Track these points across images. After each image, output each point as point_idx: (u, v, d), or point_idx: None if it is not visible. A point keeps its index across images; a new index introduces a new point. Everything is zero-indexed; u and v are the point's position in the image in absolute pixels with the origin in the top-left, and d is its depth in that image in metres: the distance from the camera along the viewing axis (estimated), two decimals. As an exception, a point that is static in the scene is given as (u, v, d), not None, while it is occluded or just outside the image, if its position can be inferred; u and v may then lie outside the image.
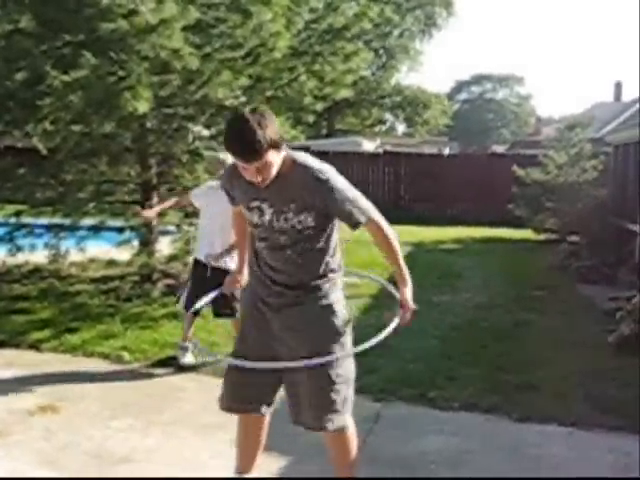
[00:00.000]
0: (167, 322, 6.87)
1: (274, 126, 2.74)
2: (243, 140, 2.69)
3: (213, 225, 5.62)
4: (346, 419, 3.12)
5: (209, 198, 5.63)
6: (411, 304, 3.08)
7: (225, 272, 5.53)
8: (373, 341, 2.90)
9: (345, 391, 3.08)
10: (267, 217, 2.95)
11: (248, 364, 2.98)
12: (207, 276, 5.49)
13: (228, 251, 5.56)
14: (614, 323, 6.82)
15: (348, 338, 3.13)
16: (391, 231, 3.07)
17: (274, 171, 2.81)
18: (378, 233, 3.05)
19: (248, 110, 2.74)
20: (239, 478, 3.30)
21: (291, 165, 2.89)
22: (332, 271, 3.09)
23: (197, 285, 5.62)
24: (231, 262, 5.68)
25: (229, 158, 5.76)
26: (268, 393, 3.21)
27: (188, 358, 5.70)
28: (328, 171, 2.92)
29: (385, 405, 4.87)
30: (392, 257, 3.09)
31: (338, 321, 3.07)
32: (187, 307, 5.75)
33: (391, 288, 3.24)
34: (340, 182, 2.93)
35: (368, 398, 4.90)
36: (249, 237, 3.23)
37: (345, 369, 3.09)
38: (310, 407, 3.05)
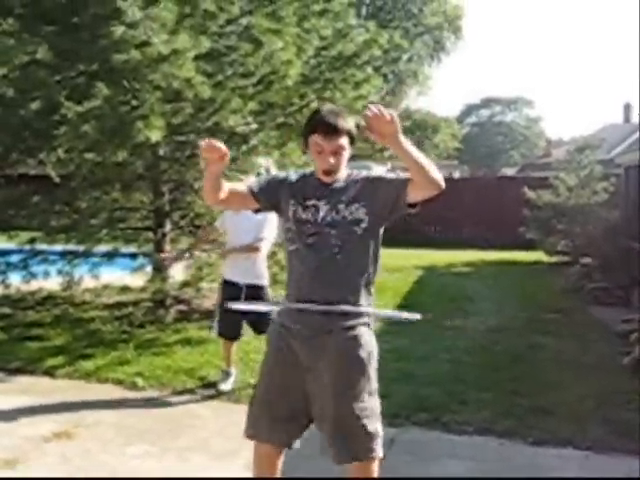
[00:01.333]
0: (180, 348, 6.89)
1: (352, 122, 3.03)
2: (337, 114, 2.98)
3: (240, 243, 5.67)
4: (373, 454, 3.05)
5: (234, 217, 5.70)
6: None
7: (258, 288, 5.60)
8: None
9: (371, 425, 3.03)
10: (321, 214, 3.00)
11: (301, 305, 3.00)
12: (239, 297, 5.48)
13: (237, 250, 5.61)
14: (628, 345, 6.80)
15: (374, 372, 3.09)
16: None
17: (343, 163, 3.01)
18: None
19: None
20: (243, 478, 3.27)
21: (352, 175, 3.10)
22: (368, 294, 3.07)
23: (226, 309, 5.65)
24: (263, 279, 5.72)
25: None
26: (294, 425, 3.14)
27: (227, 385, 5.71)
28: (382, 172, 3.07)
29: (399, 430, 4.85)
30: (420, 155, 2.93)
31: (363, 353, 3.03)
32: (221, 333, 5.80)
33: (403, 315, 3.20)
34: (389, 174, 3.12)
35: (383, 423, 4.88)
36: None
37: (371, 403, 3.06)
38: (335, 442, 3.02)
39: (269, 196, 3.13)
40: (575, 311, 9.64)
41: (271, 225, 5.67)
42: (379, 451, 3.07)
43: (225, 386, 5.69)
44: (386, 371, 6.05)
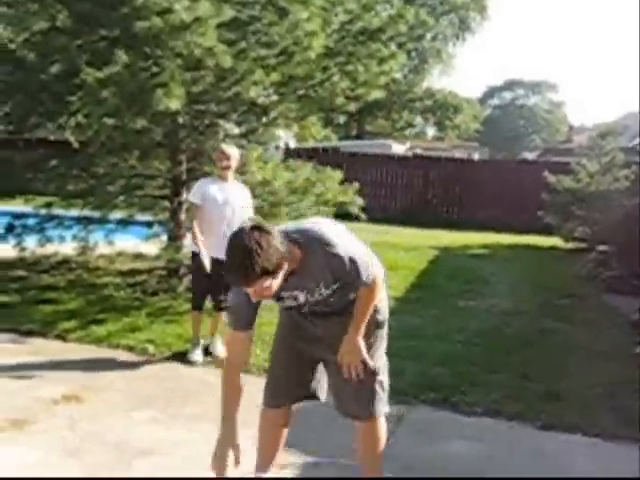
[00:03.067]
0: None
1: (271, 250, 2.64)
2: (237, 268, 2.62)
3: (220, 222, 5.71)
4: (385, 408, 3.29)
5: (206, 190, 5.82)
6: (347, 359, 3.08)
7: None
8: None
9: (385, 382, 3.28)
10: (302, 299, 3.03)
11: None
12: (209, 270, 5.58)
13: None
14: (642, 334, 6.74)
15: (385, 335, 3.32)
16: (380, 291, 3.13)
17: (274, 289, 2.75)
18: (368, 292, 3.06)
19: (248, 228, 2.65)
20: (241, 478, 3.31)
21: (305, 251, 2.85)
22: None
23: (200, 281, 5.83)
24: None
25: (234, 150, 5.97)
26: (303, 386, 3.32)
27: (196, 356, 5.75)
28: (336, 244, 2.87)
29: (408, 408, 4.85)
30: (364, 308, 3.08)
31: (379, 316, 3.24)
32: (193, 304, 5.98)
33: None
34: (349, 249, 2.92)
35: (391, 400, 4.86)
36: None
37: (382, 361, 3.29)
38: (355, 397, 3.19)
39: (252, 318, 3.01)
40: (589, 298, 9.57)
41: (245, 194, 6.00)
42: (384, 408, 3.30)
43: (195, 357, 5.73)
44: (397, 349, 6.04)
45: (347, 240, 2.96)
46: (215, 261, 5.54)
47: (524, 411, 4.85)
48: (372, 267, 3.00)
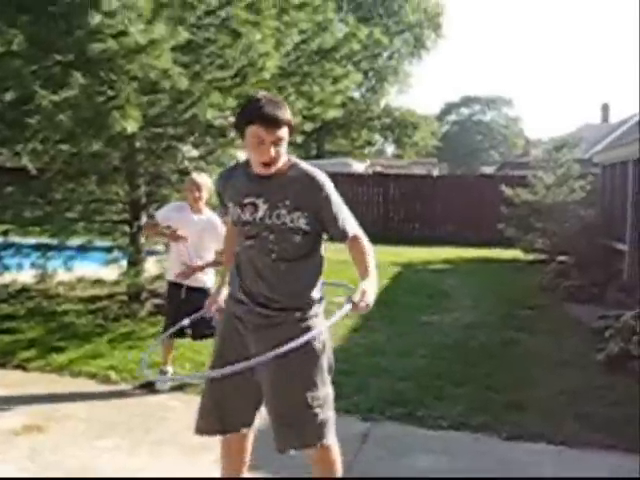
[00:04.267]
0: (155, 341, 6.82)
1: (290, 113, 2.92)
2: (276, 105, 2.85)
3: (184, 246, 5.59)
4: (325, 441, 3.05)
5: (179, 218, 5.58)
6: (369, 297, 2.88)
7: (201, 291, 5.54)
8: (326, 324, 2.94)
9: (322, 414, 3.03)
10: (260, 213, 2.93)
11: (226, 370, 2.84)
12: (182, 298, 5.52)
13: (196, 269, 5.56)
14: (603, 341, 6.82)
15: (325, 363, 3.08)
16: (370, 248, 3.08)
17: (283, 155, 2.89)
18: (359, 246, 3.04)
19: None
20: (237, 478, 3.26)
21: (289, 164, 2.97)
22: (312, 297, 3.06)
23: (172, 308, 5.62)
24: (208, 281, 5.66)
25: (205, 180, 5.74)
26: (248, 411, 3.18)
27: (165, 384, 5.62)
28: (325, 178, 2.99)
29: (374, 424, 4.84)
30: (364, 264, 3.01)
31: (316, 344, 3.02)
32: (164, 331, 5.73)
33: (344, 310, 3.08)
34: (334, 192, 2.99)
35: (357, 417, 4.88)
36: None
37: (323, 392, 3.05)
38: (287, 429, 3.02)
39: (227, 203, 3.10)
40: (551, 308, 9.69)
41: (216, 230, 5.52)
42: (330, 438, 3.07)
43: (162, 385, 5.60)
44: (362, 366, 6.10)
45: (339, 198, 3.03)
46: (187, 289, 5.54)
47: (489, 422, 4.87)
48: (358, 229, 3.06)
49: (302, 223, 2.93)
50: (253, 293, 3.01)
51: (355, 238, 3.04)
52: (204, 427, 3.20)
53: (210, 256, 5.66)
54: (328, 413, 3.06)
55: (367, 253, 3.02)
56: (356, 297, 2.79)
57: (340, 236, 3.02)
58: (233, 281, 3.14)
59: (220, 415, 3.14)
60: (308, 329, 2.98)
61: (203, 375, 3.29)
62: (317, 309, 3.07)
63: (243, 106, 2.97)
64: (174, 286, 5.66)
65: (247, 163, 3.02)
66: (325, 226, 3.00)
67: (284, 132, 2.85)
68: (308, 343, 2.94)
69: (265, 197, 2.93)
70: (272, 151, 2.84)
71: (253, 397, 3.11)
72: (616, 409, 5.19)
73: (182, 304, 5.48)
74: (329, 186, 2.97)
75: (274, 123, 2.81)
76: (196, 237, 5.57)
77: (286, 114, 2.86)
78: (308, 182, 2.94)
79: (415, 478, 3.58)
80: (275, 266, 2.97)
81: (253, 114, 2.83)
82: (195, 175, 5.76)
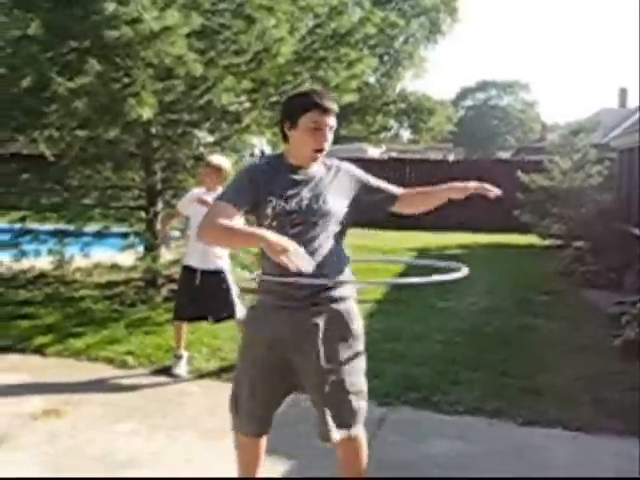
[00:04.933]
0: (171, 327, 6.85)
1: None
2: (328, 94, 3.05)
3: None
4: (359, 429, 3.07)
5: (195, 208, 5.53)
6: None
7: (217, 274, 5.55)
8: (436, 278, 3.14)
9: (357, 403, 3.03)
10: (305, 201, 2.95)
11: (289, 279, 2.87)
12: (196, 283, 5.55)
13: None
14: (619, 327, 6.80)
15: (362, 348, 3.11)
16: None
17: (330, 142, 3.01)
18: (411, 193, 3.26)
19: None
20: (242, 478, 3.27)
21: (323, 159, 3.09)
22: (349, 275, 3.10)
23: (185, 292, 5.67)
24: (224, 264, 5.66)
25: (223, 162, 5.71)
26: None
27: (181, 369, 5.66)
28: (350, 164, 3.22)
29: (389, 409, 4.86)
30: (431, 193, 3.27)
31: (356, 326, 3.07)
32: (176, 315, 5.77)
33: (400, 280, 3.18)
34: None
35: (372, 402, 4.85)
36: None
37: (358, 378, 3.06)
38: (320, 415, 3.00)
39: (249, 202, 2.97)
40: (567, 293, 9.66)
41: None
42: (359, 429, 3.07)
43: (179, 370, 5.63)
44: (377, 351, 6.11)
45: None
46: (202, 273, 5.56)
47: (505, 408, 4.87)
48: None
49: (344, 206, 3.04)
50: (294, 280, 2.93)
51: (402, 193, 3.24)
52: (250, 430, 3.13)
53: None
54: (362, 403, 3.06)
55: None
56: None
57: (391, 197, 3.21)
58: (266, 275, 3.05)
59: (265, 417, 3.10)
60: (347, 310, 3.05)
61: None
62: (353, 291, 3.13)
63: (293, 97, 3.08)
64: (189, 270, 5.66)
65: (281, 157, 3.06)
66: (369, 202, 3.14)
67: (335, 121, 3.00)
68: (352, 329, 3.03)
69: (309, 187, 2.98)
70: (328, 137, 2.97)
71: (290, 389, 3.11)
72: (632, 395, 5.17)
73: (197, 288, 5.54)
74: (359, 170, 3.21)
75: (332, 109, 2.95)
76: None
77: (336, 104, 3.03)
78: (342, 171, 3.11)
79: (418, 478, 3.58)
80: (319, 250, 2.95)
81: (311, 101, 2.94)
82: (213, 157, 5.74)
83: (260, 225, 2.98)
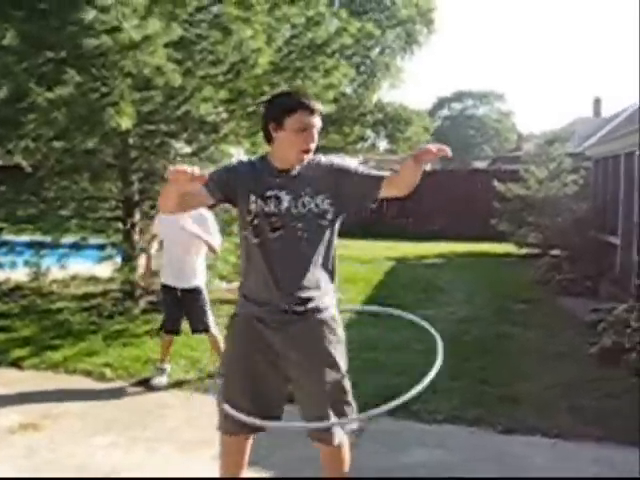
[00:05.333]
0: (149, 339, 6.84)
1: None
2: (311, 96, 3.06)
3: (176, 249, 5.60)
4: (340, 436, 3.12)
5: (167, 222, 5.52)
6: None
7: (194, 292, 5.62)
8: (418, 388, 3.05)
9: (348, 408, 3.13)
10: (285, 204, 2.95)
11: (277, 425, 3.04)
12: (177, 297, 5.63)
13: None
14: (596, 335, 6.85)
15: (345, 355, 3.16)
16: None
17: (315, 143, 2.97)
18: (393, 174, 3.01)
19: None
20: (240, 478, 3.26)
21: (314, 157, 3.05)
22: (332, 281, 3.11)
23: (171, 308, 5.73)
24: (200, 281, 5.70)
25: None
26: (280, 407, 3.17)
27: (162, 380, 5.64)
28: (330, 156, 3.12)
29: (369, 420, 4.85)
30: (405, 167, 2.91)
31: (340, 331, 3.11)
32: (164, 329, 5.84)
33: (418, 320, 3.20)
34: (345, 159, 3.12)
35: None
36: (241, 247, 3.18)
37: (349, 384, 3.15)
38: (313, 418, 3.05)
39: (224, 188, 3.00)
40: (544, 302, 9.72)
41: (206, 223, 5.59)
42: (342, 435, 3.14)
43: (159, 381, 5.63)
44: (356, 361, 6.07)
45: None
46: (181, 291, 5.61)
47: (484, 416, 4.89)
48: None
49: (326, 204, 2.99)
50: (275, 288, 2.97)
51: (387, 175, 3.01)
52: (233, 428, 3.11)
53: (202, 249, 5.67)
54: (354, 404, 3.15)
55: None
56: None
57: (375, 183, 2.99)
58: (247, 282, 3.09)
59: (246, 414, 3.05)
60: (332, 318, 3.07)
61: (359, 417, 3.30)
62: (334, 299, 3.12)
63: (277, 97, 3.06)
64: (167, 289, 5.71)
65: (264, 159, 3.06)
66: (353, 190, 3.01)
67: (320, 121, 2.98)
68: (337, 335, 3.07)
69: (288, 189, 2.97)
70: (315, 137, 2.95)
71: (279, 395, 3.14)
72: (609, 402, 5.22)
73: (177, 304, 5.65)
74: (339, 159, 3.10)
75: (317, 110, 2.94)
76: (186, 235, 5.54)
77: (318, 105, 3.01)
78: (321, 165, 3.03)
79: (421, 478, 3.57)
80: (304, 254, 2.98)
81: (297, 101, 2.93)
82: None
83: (242, 224, 3.03)
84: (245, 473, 3.34)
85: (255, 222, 2.99)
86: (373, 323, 7.82)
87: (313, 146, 2.95)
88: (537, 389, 5.56)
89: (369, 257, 14.37)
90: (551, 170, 15.00)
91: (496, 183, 15.72)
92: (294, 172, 3.00)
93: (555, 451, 4.38)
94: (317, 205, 2.97)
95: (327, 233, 3.03)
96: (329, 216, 3.00)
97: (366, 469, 3.97)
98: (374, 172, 3.03)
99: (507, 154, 38.30)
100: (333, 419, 3.04)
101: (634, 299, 7.23)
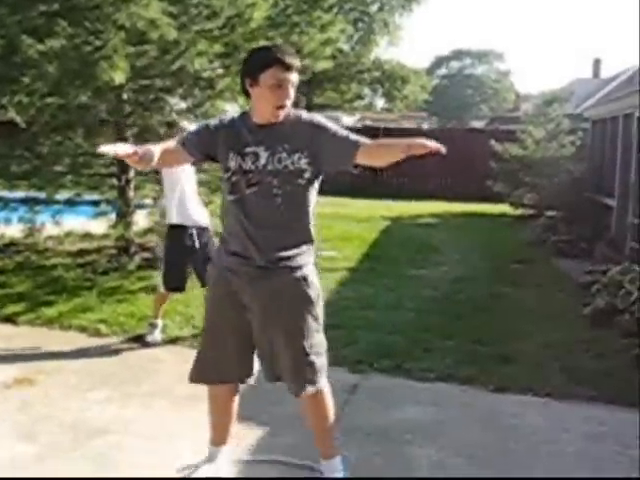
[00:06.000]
0: (144, 295, 6.84)
1: None
2: (289, 49, 2.98)
3: (189, 188, 5.59)
4: (321, 386, 3.14)
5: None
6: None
7: (205, 230, 5.54)
8: None
9: (318, 360, 3.11)
10: (262, 161, 2.95)
11: None
12: (188, 242, 5.47)
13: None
14: (590, 296, 6.89)
15: (320, 311, 3.14)
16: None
17: (291, 100, 2.94)
18: (375, 145, 2.98)
19: None
20: (247, 478, 3.31)
21: (288, 114, 3.00)
22: (310, 240, 3.10)
23: (176, 252, 5.55)
24: (206, 219, 5.64)
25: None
26: (243, 363, 3.21)
27: (156, 336, 5.64)
28: (316, 115, 3.09)
29: (362, 376, 4.89)
30: (391, 147, 2.96)
31: (312, 292, 3.08)
32: (168, 286, 5.66)
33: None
34: (328, 121, 3.06)
35: (345, 370, 4.93)
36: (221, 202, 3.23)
37: (318, 339, 3.12)
38: (285, 376, 3.11)
39: (203, 148, 3.05)
40: (539, 262, 9.75)
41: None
42: (323, 382, 3.16)
43: (153, 337, 5.62)
44: (351, 319, 6.15)
45: None
46: (197, 230, 5.52)
47: (477, 375, 4.93)
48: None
49: (303, 163, 2.96)
50: (250, 244, 3.01)
51: (366, 143, 2.95)
52: (201, 377, 3.24)
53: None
54: (322, 359, 3.14)
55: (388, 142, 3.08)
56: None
57: (351, 147, 2.94)
58: (226, 235, 3.14)
59: (220, 365, 3.18)
60: (304, 278, 3.05)
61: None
62: (311, 257, 3.12)
63: (254, 52, 3.03)
64: (178, 229, 5.54)
65: (245, 115, 3.06)
66: (330, 150, 2.97)
67: (297, 77, 2.94)
68: (304, 291, 3.04)
69: (266, 145, 2.96)
70: (292, 92, 2.92)
71: (250, 348, 3.16)
72: (600, 362, 5.26)
73: (189, 248, 5.49)
74: (321, 118, 3.05)
75: (294, 65, 2.90)
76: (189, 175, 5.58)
77: (297, 56, 2.97)
78: (302, 122, 3.01)
79: (425, 478, 3.61)
80: (279, 212, 2.98)
81: (272, 57, 2.89)
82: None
83: (224, 178, 3.05)
84: (235, 427, 3.39)
85: (233, 179, 3.01)
86: (368, 282, 7.84)
87: (288, 102, 2.93)
88: (530, 349, 5.60)
89: (365, 216, 14.36)
90: (549, 131, 14.93)
91: (493, 143, 15.66)
92: (273, 127, 2.97)
93: (546, 410, 4.42)
94: (293, 163, 2.95)
95: (303, 191, 3.02)
96: (306, 175, 2.99)
97: (359, 425, 4.01)
98: (353, 137, 2.98)
99: (505, 114, 38.16)
100: (287, 377, 3.11)
101: (629, 261, 7.25)
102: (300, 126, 2.99)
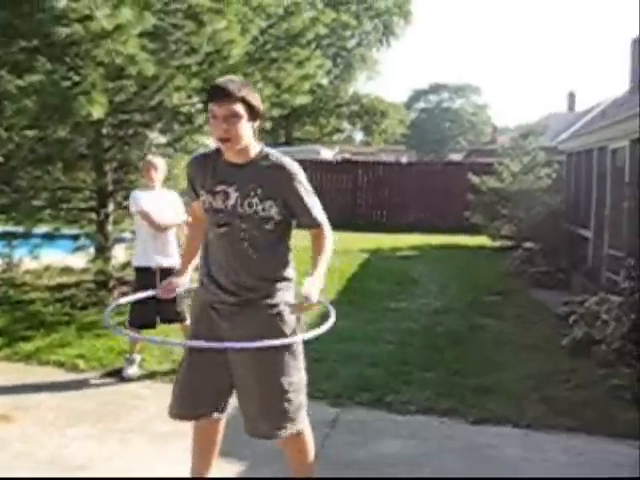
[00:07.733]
0: (123, 329, 6.78)
1: (255, 96, 2.92)
2: (231, 81, 2.89)
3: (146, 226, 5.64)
4: (299, 425, 3.10)
5: (149, 198, 5.65)
6: (313, 295, 2.84)
7: (170, 271, 5.50)
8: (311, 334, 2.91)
9: (297, 399, 3.07)
10: (231, 201, 2.95)
11: (198, 344, 3.07)
12: (153, 282, 5.45)
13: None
14: (567, 327, 6.94)
15: (298, 348, 3.12)
16: (330, 247, 3.08)
17: (242, 135, 2.87)
18: (320, 243, 3.05)
19: None
20: (239, 478, 3.28)
21: (262, 154, 2.99)
22: (284, 278, 3.09)
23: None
24: (174, 259, 5.65)
25: (160, 162, 5.79)
26: (221, 397, 3.19)
27: (133, 371, 5.61)
28: (297, 167, 3.01)
29: (342, 410, 4.88)
30: (317, 262, 2.99)
31: (287, 329, 3.05)
32: (132, 323, 5.67)
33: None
34: (305, 181, 3.02)
35: (325, 403, 4.92)
36: (199, 246, 3.27)
37: (297, 377, 3.08)
38: (263, 416, 3.04)
39: (197, 194, 3.12)
40: (517, 294, 9.80)
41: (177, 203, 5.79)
42: (303, 421, 3.13)
43: (132, 372, 5.59)
44: (330, 352, 6.13)
45: (310, 188, 3.07)
46: (161, 271, 5.52)
47: (456, 407, 4.94)
48: (325, 218, 3.08)
49: (274, 212, 2.95)
50: (224, 282, 3.02)
51: (321, 231, 3.05)
52: (179, 412, 3.21)
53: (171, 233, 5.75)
54: (301, 398, 3.10)
55: (325, 252, 3.03)
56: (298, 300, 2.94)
57: (310, 224, 3.05)
58: (203, 270, 3.14)
59: (195, 400, 3.16)
60: (279, 315, 3.03)
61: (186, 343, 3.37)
62: (286, 295, 3.09)
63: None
64: (143, 271, 5.64)
65: (219, 151, 3.03)
66: (296, 214, 3.02)
67: (238, 107, 2.82)
68: (280, 330, 3.01)
69: (237, 185, 2.95)
70: (224, 125, 2.82)
71: (227, 383, 3.13)
72: (579, 393, 5.29)
73: (152, 289, 5.46)
74: (300, 175, 2.99)
75: (223, 96, 2.81)
76: (158, 212, 5.63)
77: (241, 90, 2.84)
78: (280, 171, 2.96)
79: (425, 478, 3.57)
80: (246, 254, 2.98)
81: (209, 91, 2.91)
82: (151, 157, 5.89)
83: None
84: (216, 462, 3.37)
85: (207, 218, 3.07)
86: (348, 315, 7.83)
87: (226, 135, 2.84)
88: (509, 380, 5.62)
89: (343, 249, 14.35)
90: (525, 163, 15.11)
91: (471, 176, 15.81)
92: (244, 167, 2.97)
93: (526, 441, 4.43)
94: (264, 209, 2.94)
95: (274, 234, 3.01)
96: (275, 220, 2.98)
97: (338, 459, 4.00)
98: (315, 212, 3.04)
99: (482, 147, 38.51)
100: (260, 421, 3.04)
101: (604, 292, 7.32)
102: (274, 172, 2.95)
